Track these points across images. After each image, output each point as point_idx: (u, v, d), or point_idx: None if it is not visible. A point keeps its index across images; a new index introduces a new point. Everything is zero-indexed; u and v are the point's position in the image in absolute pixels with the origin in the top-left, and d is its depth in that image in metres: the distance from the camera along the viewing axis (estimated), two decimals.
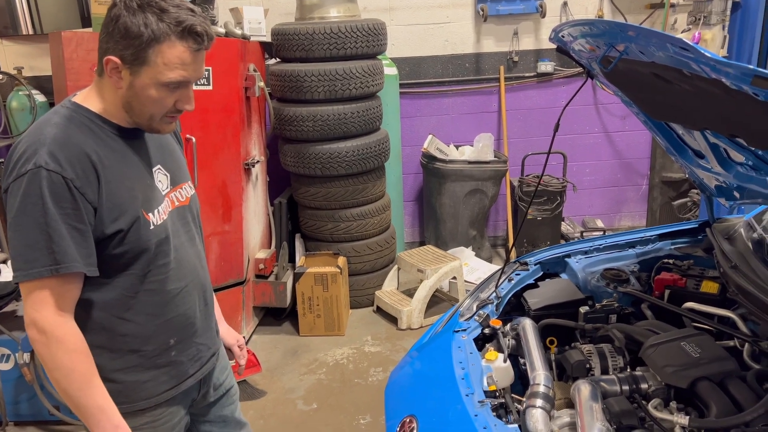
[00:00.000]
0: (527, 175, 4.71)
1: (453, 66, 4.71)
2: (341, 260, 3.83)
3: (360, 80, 3.70)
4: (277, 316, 3.98)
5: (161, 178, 1.50)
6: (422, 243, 4.88)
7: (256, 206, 3.73)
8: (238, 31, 3.51)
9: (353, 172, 3.84)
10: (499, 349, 1.83)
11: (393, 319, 3.90)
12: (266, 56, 3.98)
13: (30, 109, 4.20)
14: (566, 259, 2.31)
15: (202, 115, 3.11)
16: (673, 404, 1.56)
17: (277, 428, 2.96)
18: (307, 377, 3.37)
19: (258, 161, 3.63)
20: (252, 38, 3.63)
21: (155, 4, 1.29)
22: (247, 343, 3.69)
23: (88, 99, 1.40)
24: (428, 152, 4.46)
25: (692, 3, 3.88)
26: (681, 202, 4.36)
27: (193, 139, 3.05)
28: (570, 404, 1.62)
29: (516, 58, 4.69)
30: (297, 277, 3.72)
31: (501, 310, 2.06)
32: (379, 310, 4.04)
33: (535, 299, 2.09)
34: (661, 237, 2.40)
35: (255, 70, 3.46)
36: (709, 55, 1.18)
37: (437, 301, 4.04)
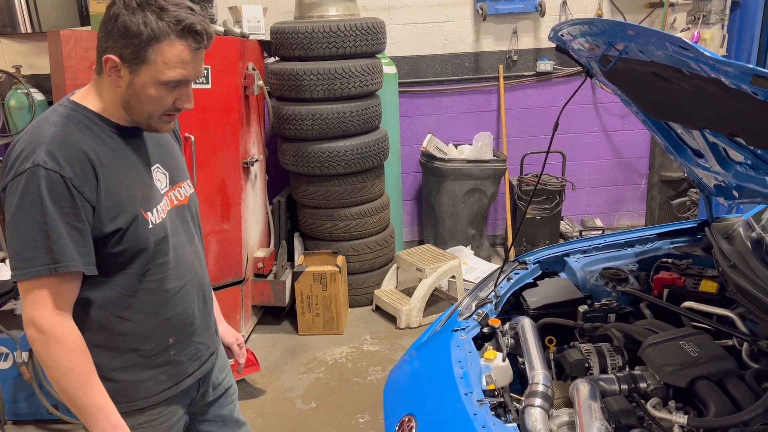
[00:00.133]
0: (526, 174, 4.71)
1: (452, 65, 4.71)
2: (340, 259, 3.83)
3: (359, 79, 3.70)
4: (276, 315, 3.98)
5: (160, 177, 1.50)
6: (421, 242, 4.88)
7: (255, 205, 3.73)
8: (237, 30, 3.51)
9: (352, 171, 3.84)
10: (498, 348, 1.83)
11: (392, 318, 3.90)
12: (265, 55, 3.98)
13: (28, 108, 4.19)
14: (565, 258, 2.31)
15: (201, 113, 3.10)
16: (671, 403, 1.56)
17: (276, 427, 2.96)
18: (305, 376, 3.37)
19: (257, 160, 3.63)
20: (251, 37, 3.63)
21: (154, 2, 1.29)
22: (246, 342, 3.69)
23: (87, 97, 1.39)
24: (427, 151, 4.46)
25: (691, 2, 3.88)
26: (680, 201, 4.36)
27: (192, 138, 3.05)
28: (569, 403, 1.62)
29: (515, 57, 4.69)
30: (296, 276, 3.71)
31: (500, 309, 2.06)
32: (378, 309, 4.04)
33: (534, 298, 2.09)
34: (660, 236, 2.40)
35: (254, 69, 3.46)
36: (708, 54, 1.18)
37: (436, 300, 4.04)
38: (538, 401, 1.54)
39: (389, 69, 4.21)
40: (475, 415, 1.54)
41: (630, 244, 2.38)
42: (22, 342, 2.76)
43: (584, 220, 5.04)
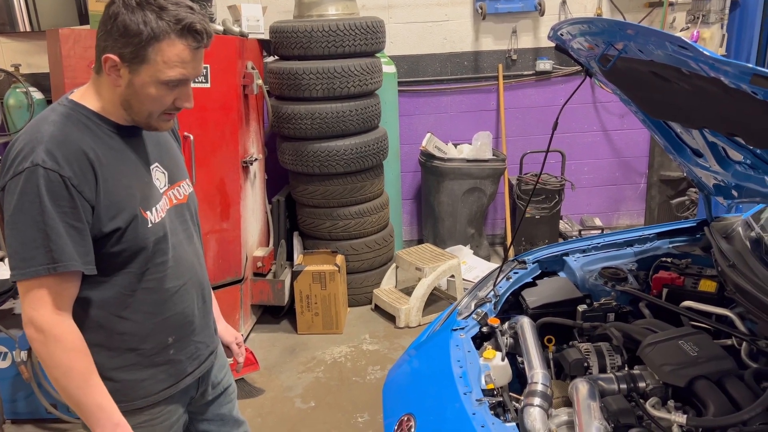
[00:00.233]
0: (525, 174, 4.71)
1: (451, 64, 4.71)
2: (339, 258, 3.83)
3: (358, 78, 3.69)
4: (275, 314, 3.98)
5: (159, 176, 1.49)
6: (420, 241, 4.88)
7: (254, 204, 3.72)
8: (236, 29, 3.51)
9: (351, 170, 3.83)
10: (497, 348, 1.83)
11: (391, 318, 3.90)
12: (264, 54, 3.98)
13: (27, 107, 4.19)
14: (564, 258, 2.31)
15: (200, 113, 3.10)
16: (670, 403, 1.56)
17: (275, 426, 2.96)
18: (305, 375, 3.37)
19: (256, 159, 3.62)
20: (250, 36, 3.62)
21: (154, 1, 1.28)
22: (245, 341, 3.68)
23: (86, 97, 1.39)
24: (426, 150, 4.45)
25: (691, 1, 3.89)
26: (679, 200, 4.36)
27: (191, 137, 3.04)
28: (568, 403, 1.62)
29: (514, 57, 4.68)
30: (295, 275, 3.71)
31: (499, 308, 2.06)
32: (377, 309, 4.03)
33: (533, 298, 2.09)
34: (659, 235, 2.40)
35: (253, 68, 3.45)
36: (707, 53, 1.18)
37: (435, 299, 4.04)
38: (537, 401, 1.54)
39: (388, 68, 4.21)
40: (474, 414, 1.54)
41: (629, 243, 2.38)
42: (20, 341, 2.75)
43: (583, 219, 5.04)
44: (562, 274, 2.28)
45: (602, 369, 1.73)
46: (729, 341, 1.78)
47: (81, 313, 1.38)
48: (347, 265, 3.96)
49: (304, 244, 4.13)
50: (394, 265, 4.15)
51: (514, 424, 1.50)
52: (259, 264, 3.69)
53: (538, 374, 1.63)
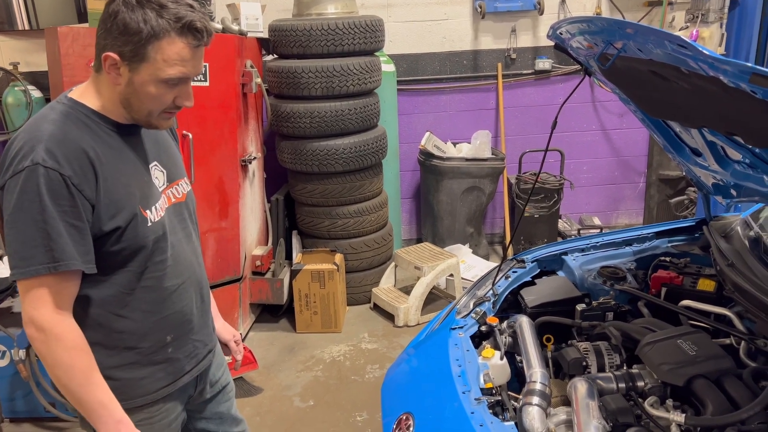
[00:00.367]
0: (524, 173, 4.71)
1: (451, 63, 4.71)
2: (338, 257, 3.83)
3: (357, 77, 3.69)
4: (274, 313, 3.98)
5: (158, 175, 1.49)
6: (419, 240, 4.88)
7: (253, 203, 3.72)
8: (235, 27, 3.50)
9: (350, 169, 3.83)
10: (496, 347, 1.83)
11: (390, 316, 3.90)
12: (263, 52, 3.97)
13: (26, 105, 4.18)
14: (563, 257, 2.31)
15: (199, 111, 3.10)
16: (669, 402, 1.56)
17: (274, 425, 2.96)
18: (303, 374, 3.37)
19: (255, 158, 3.62)
20: (249, 34, 3.62)
21: None
22: (243, 339, 3.69)
23: (85, 95, 1.39)
24: (426, 149, 4.45)
25: (690, 0, 3.88)
26: (678, 199, 4.36)
27: (190, 136, 3.04)
28: (566, 402, 1.63)
29: (514, 56, 4.68)
30: (294, 274, 3.71)
31: (498, 307, 2.06)
32: (376, 307, 4.03)
33: (531, 297, 2.09)
34: (658, 235, 2.40)
35: (252, 67, 3.45)
36: (707, 52, 1.18)
37: (434, 298, 4.04)
38: (535, 400, 1.54)
39: (388, 67, 4.20)
40: (472, 413, 1.54)
41: (628, 242, 2.38)
42: (19, 339, 2.75)
43: (582, 218, 5.05)
44: (560, 273, 2.28)
45: (601, 368, 1.73)
46: (727, 340, 1.78)
47: (80, 311, 1.38)
48: (346, 264, 3.96)
49: (303, 243, 4.13)
50: (393, 264, 4.15)
51: (512, 423, 1.50)
52: (258, 263, 3.69)
53: (536, 373, 1.63)
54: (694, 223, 2.41)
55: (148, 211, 1.41)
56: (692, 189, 4.35)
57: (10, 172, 1.27)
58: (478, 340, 1.93)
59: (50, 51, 3.09)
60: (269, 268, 3.79)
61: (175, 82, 1.35)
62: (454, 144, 4.64)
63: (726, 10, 3.72)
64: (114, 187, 1.35)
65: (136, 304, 1.43)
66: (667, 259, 2.20)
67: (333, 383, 3.28)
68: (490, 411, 1.55)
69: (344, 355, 3.55)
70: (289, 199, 4.12)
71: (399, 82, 4.49)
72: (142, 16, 1.27)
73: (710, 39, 3.75)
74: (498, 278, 2.16)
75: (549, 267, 2.32)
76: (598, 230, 4.62)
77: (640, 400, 1.57)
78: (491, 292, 2.11)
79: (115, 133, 1.40)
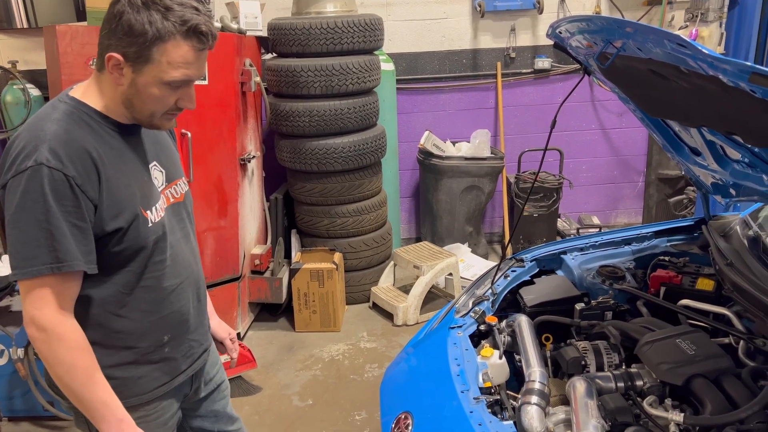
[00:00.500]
0: (524, 172, 4.71)
1: (450, 62, 4.70)
2: (337, 256, 3.83)
3: (356, 76, 3.69)
4: (273, 311, 3.97)
5: (157, 175, 1.49)
6: (418, 239, 4.88)
7: (252, 202, 3.72)
8: (234, 26, 3.50)
9: (349, 168, 3.83)
10: (495, 346, 1.83)
11: (389, 316, 3.90)
12: (262, 51, 3.97)
13: (24, 103, 4.17)
14: (562, 256, 2.31)
15: (198, 110, 3.04)
16: (668, 401, 1.56)
17: (273, 424, 2.96)
18: (302, 373, 3.37)
19: (254, 157, 3.62)
20: (248, 33, 3.61)
21: (160, 1, 1.27)
22: (242, 338, 3.69)
23: (88, 94, 1.38)
24: (425, 148, 4.45)
25: (689, 0, 3.88)
26: (677, 199, 4.37)
27: (189, 134, 3.04)
28: (565, 401, 1.63)
29: (513, 54, 4.68)
30: (293, 273, 3.71)
31: (497, 306, 2.06)
32: (375, 307, 4.03)
33: (530, 296, 2.09)
34: (657, 234, 2.40)
35: (251, 65, 3.45)
36: (706, 51, 1.18)
37: (433, 297, 4.04)
38: (534, 399, 1.54)
39: (387, 66, 4.20)
40: (471, 412, 1.54)
41: (627, 242, 2.38)
42: (17, 338, 2.75)
43: (581, 217, 5.05)
44: (559, 273, 2.28)
45: (599, 367, 1.74)
46: (726, 340, 1.78)
47: (79, 311, 1.37)
48: (345, 263, 3.96)
49: (302, 242, 4.13)
50: (392, 263, 4.15)
51: (511, 422, 1.50)
52: (257, 262, 3.69)
53: (535, 372, 1.63)
54: (693, 223, 2.41)
55: (148, 212, 1.41)
56: (691, 188, 4.36)
57: (13, 171, 1.27)
58: (477, 339, 1.93)
59: (49, 49, 3.08)
60: (268, 267, 3.79)
61: (179, 84, 1.34)
62: (454, 143, 4.63)
63: (725, 9, 3.72)
64: (116, 187, 1.35)
65: (135, 304, 1.43)
66: (666, 258, 2.20)
67: (332, 382, 3.28)
68: (489, 410, 1.55)
69: (343, 354, 3.55)
70: (288, 197, 4.12)
71: (398, 81, 4.49)
72: (147, 17, 1.26)
73: (710, 38, 3.75)
74: (497, 277, 2.16)
75: (548, 266, 2.32)
76: (597, 229, 4.63)
77: (638, 399, 1.57)
78: (490, 291, 2.10)
79: (116, 133, 1.39)
